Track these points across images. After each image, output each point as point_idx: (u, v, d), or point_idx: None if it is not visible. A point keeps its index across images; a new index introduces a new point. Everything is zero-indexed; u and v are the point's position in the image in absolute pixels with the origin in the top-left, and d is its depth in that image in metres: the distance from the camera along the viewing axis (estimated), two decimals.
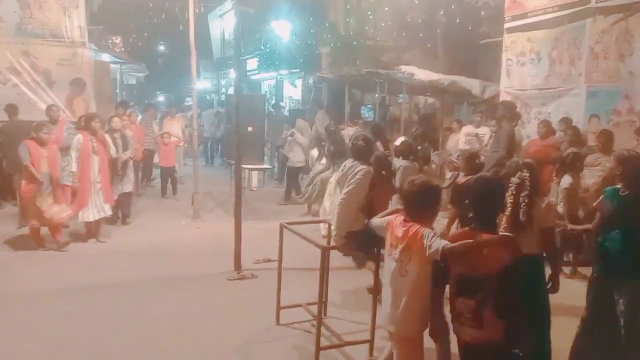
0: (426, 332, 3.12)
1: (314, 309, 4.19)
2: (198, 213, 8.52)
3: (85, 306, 4.86)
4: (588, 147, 6.60)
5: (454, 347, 3.11)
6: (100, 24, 14.27)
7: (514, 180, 3.07)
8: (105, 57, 12.73)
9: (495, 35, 10.46)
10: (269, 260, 6.02)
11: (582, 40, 7.67)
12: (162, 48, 31.76)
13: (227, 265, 5.81)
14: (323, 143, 8.77)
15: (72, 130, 7.57)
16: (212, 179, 11.49)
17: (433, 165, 8.76)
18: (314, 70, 14.58)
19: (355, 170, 4.14)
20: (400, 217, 2.98)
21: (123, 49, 17.40)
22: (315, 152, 8.99)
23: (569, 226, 4.54)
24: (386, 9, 14.01)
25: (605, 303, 3.42)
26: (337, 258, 4.58)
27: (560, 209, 5.26)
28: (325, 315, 4.49)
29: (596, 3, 7.41)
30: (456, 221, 5.21)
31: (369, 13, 14.42)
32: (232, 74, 16.19)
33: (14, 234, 6.99)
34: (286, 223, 4.47)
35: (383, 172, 5.23)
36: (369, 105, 15.04)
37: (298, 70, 15.67)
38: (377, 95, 12.19)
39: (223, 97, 21.25)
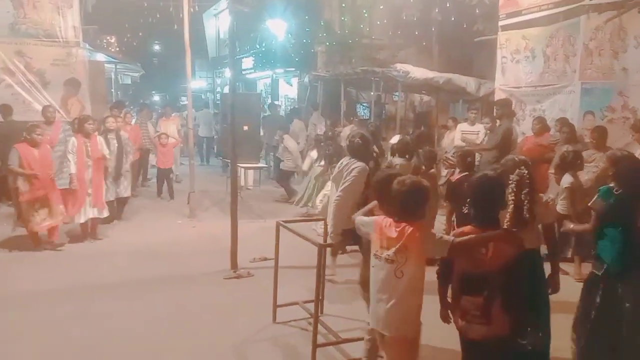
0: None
1: (311, 306, 4.19)
2: (194, 212, 8.53)
3: (82, 306, 4.86)
4: (583, 144, 6.62)
5: (453, 345, 3.10)
6: (95, 24, 14.22)
7: (514, 177, 3.08)
8: (100, 56, 12.70)
9: (490, 33, 10.46)
10: (265, 259, 6.02)
11: (576, 38, 7.69)
12: (157, 47, 31.73)
13: (223, 264, 5.81)
14: (322, 144, 8.77)
15: (68, 131, 7.54)
16: (208, 178, 11.48)
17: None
18: (309, 69, 14.56)
19: (351, 168, 4.15)
20: (388, 218, 2.94)
21: (118, 49, 17.37)
22: (314, 154, 8.96)
23: (571, 226, 4.54)
24: (381, 7, 13.99)
25: (605, 302, 3.40)
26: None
27: (560, 207, 5.27)
28: (321, 312, 4.50)
29: (590, 0, 7.43)
30: (453, 217, 5.24)
31: (364, 11, 14.41)
32: (228, 73, 16.17)
33: (9, 235, 6.96)
34: (282, 221, 4.47)
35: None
36: (364, 104, 15.04)
37: (294, 69, 15.67)
38: (372, 93, 12.19)
39: (218, 97, 21.22)
